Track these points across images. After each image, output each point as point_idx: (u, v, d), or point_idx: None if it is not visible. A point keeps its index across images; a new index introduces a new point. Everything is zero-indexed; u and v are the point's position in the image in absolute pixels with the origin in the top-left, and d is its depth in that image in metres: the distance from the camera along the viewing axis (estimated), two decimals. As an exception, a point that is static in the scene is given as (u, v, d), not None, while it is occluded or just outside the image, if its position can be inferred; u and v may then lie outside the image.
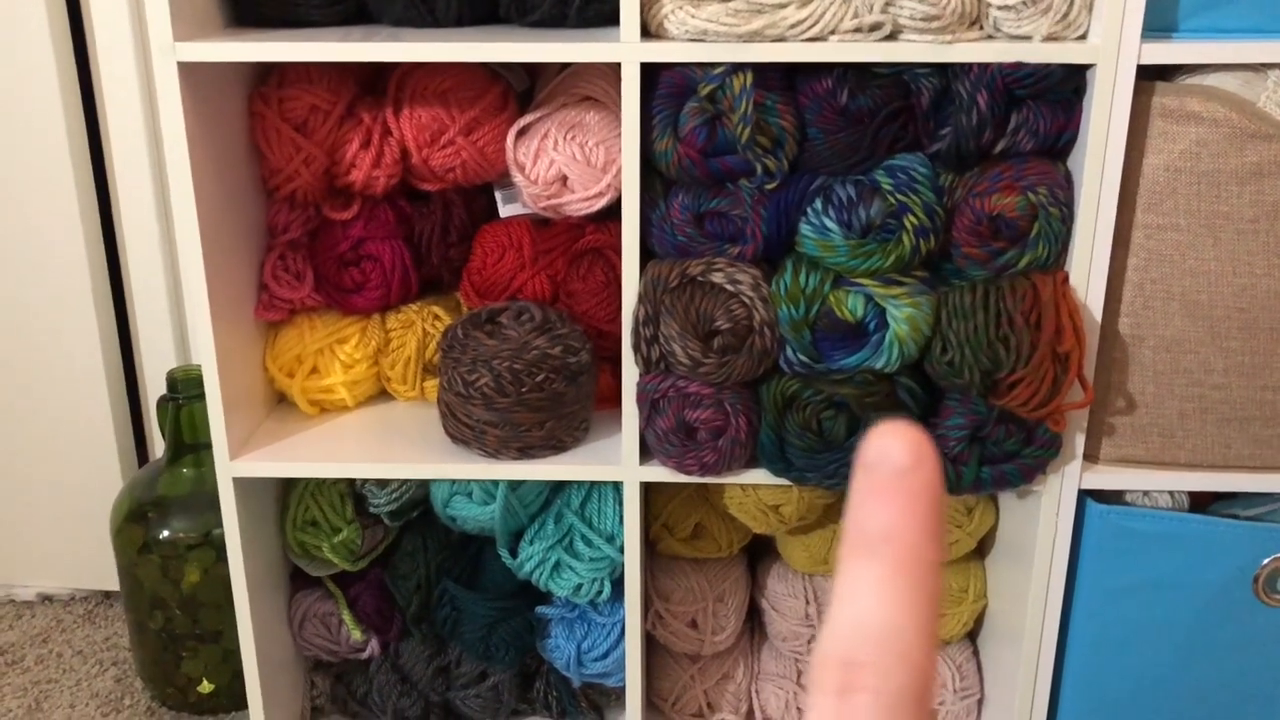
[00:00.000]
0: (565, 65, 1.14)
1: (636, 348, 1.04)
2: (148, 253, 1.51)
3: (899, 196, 0.97)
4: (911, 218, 0.97)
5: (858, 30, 0.95)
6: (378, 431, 1.18)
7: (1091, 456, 1.09)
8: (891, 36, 0.96)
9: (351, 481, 1.19)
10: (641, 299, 1.03)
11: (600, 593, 1.17)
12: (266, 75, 1.11)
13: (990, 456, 1.04)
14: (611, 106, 1.08)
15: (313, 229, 1.17)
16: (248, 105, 1.11)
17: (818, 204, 1.00)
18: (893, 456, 0.20)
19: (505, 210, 1.19)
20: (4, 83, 1.42)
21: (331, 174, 1.12)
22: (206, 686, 1.39)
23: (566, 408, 1.09)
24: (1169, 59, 0.96)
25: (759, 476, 1.10)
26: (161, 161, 1.48)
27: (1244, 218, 0.99)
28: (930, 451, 0.21)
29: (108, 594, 1.67)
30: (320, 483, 1.19)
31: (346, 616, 1.23)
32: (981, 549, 1.26)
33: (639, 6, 0.94)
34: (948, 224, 1.00)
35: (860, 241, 0.98)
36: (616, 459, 1.10)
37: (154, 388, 1.58)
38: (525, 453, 1.10)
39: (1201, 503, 1.12)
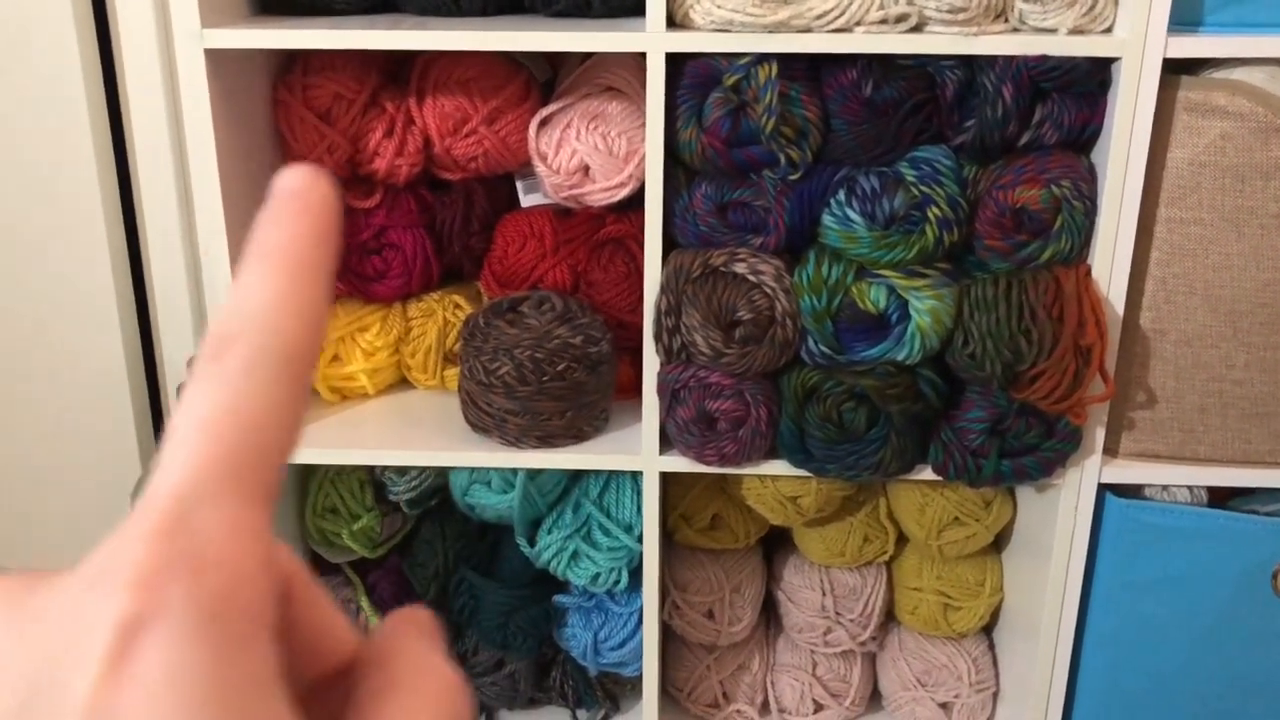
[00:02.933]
0: (587, 55, 1.14)
1: (658, 337, 1.04)
2: (169, 242, 1.52)
3: (922, 188, 0.97)
4: (935, 209, 0.97)
5: (883, 21, 0.95)
6: (398, 419, 1.18)
7: (1111, 450, 1.09)
8: (917, 28, 0.96)
9: (371, 469, 1.20)
10: (664, 289, 1.03)
11: (618, 582, 1.18)
12: (291, 63, 1.12)
13: (1010, 449, 1.04)
14: (634, 97, 1.08)
15: (335, 217, 1.17)
16: (272, 93, 1.11)
17: (841, 195, 1.00)
18: (289, 182, 0.24)
19: (527, 200, 1.19)
20: (26, 71, 1.43)
21: (354, 162, 1.13)
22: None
23: (587, 397, 1.09)
24: (1195, 53, 0.95)
25: (778, 468, 1.10)
26: (183, 149, 1.48)
27: (1268, 212, 0.99)
28: (323, 179, 0.24)
29: (125, 580, 1.67)
30: (340, 470, 1.20)
31: (365, 603, 1.24)
32: (999, 543, 1.26)
33: (665, -4, 0.95)
34: (971, 216, 1.00)
35: (883, 233, 0.98)
36: (636, 449, 1.11)
37: (174, 379, 1.58)
38: (545, 441, 1.10)
39: (1220, 498, 1.12)
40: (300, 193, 0.23)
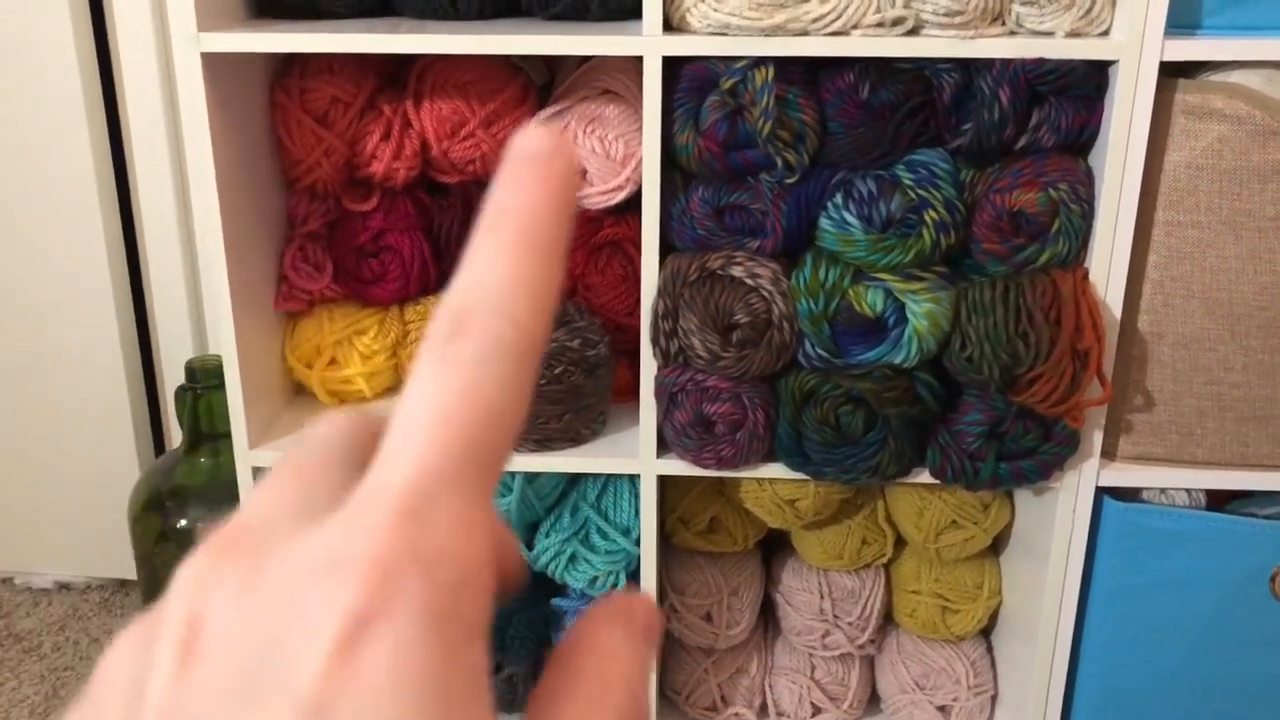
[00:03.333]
0: (585, 59, 1.14)
1: (655, 341, 1.04)
2: (166, 243, 1.52)
3: (920, 191, 0.97)
4: (932, 213, 0.97)
5: (880, 25, 0.95)
6: (395, 422, 1.18)
7: (1109, 454, 1.09)
8: (914, 31, 0.96)
9: (369, 472, 1.20)
10: (661, 292, 1.03)
11: (615, 585, 1.18)
12: (288, 67, 1.12)
13: (1008, 453, 1.04)
14: (631, 100, 1.08)
15: (332, 220, 1.17)
16: (269, 96, 1.11)
17: (838, 198, 1.00)
18: (532, 144, 0.22)
19: (524, 203, 1.19)
20: (25, 74, 1.43)
21: (352, 165, 1.13)
22: (222, 675, 1.40)
23: (584, 400, 1.09)
24: (1192, 56, 0.95)
25: (776, 471, 1.10)
26: (181, 153, 1.48)
27: (1266, 215, 0.98)
28: (567, 145, 0.22)
29: (124, 582, 1.68)
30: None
31: (362, 607, 1.24)
32: (997, 546, 1.26)
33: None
34: (968, 219, 1.00)
35: (880, 236, 0.98)
36: (634, 452, 1.11)
37: (171, 377, 1.58)
38: (543, 444, 1.10)
39: (1218, 501, 1.12)
40: (542, 157, 0.22)
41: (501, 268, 0.21)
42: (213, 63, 0.99)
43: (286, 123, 1.10)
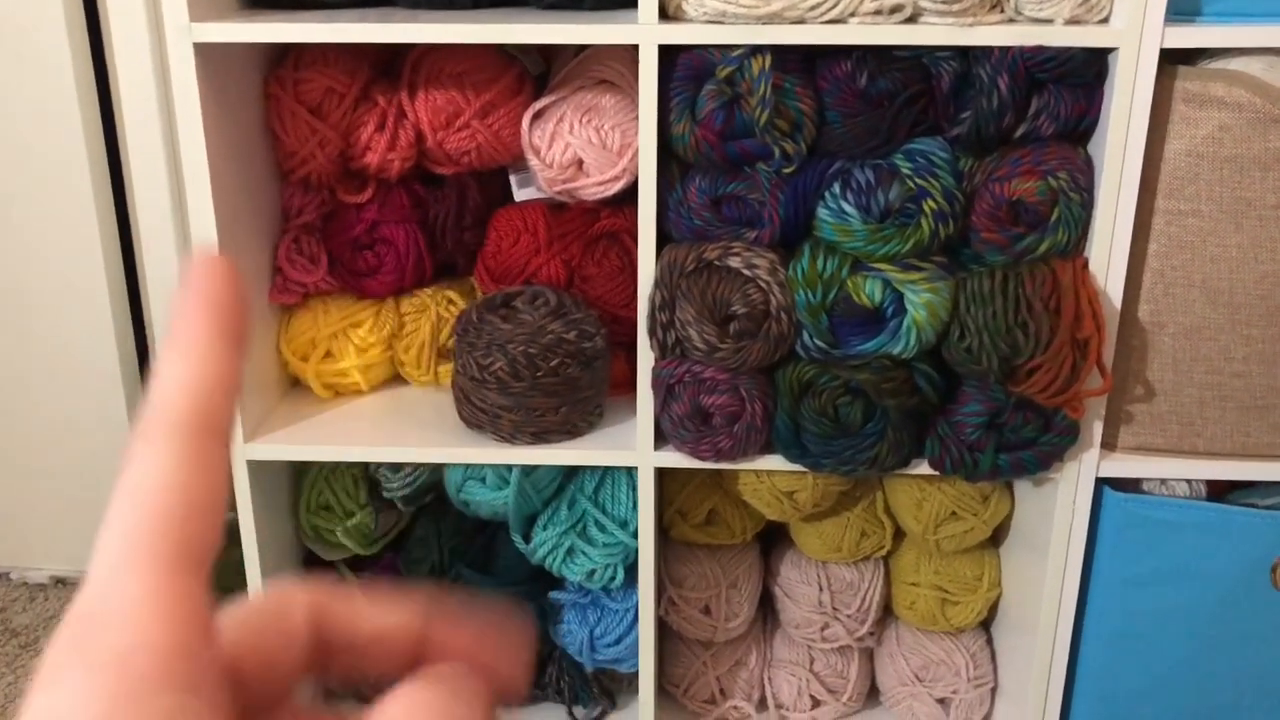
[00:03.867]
0: (581, 49, 1.13)
1: (652, 332, 1.04)
2: (161, 234, 1.51)
3: (918, 181, 0.97)
4: (930, 202, 0.96)
5: (878, 13, 0.94)
6: (392, 416, 1.18)
7: (1109, 444, 1.08)
8: (912, 19, 0.95)
9: (365, 466, 1.19)
10: (658, 283, 1.02)
11: (613, 578, 1.17)
12: (282, 57, 1.11)
13: (1008, 443, 1.04)
14: (628, 90, 1.07)
15: (327, 212, 1.16)
16: (263, 87, 1.10)
17: (836, 188, 0.99)
18: (195, 262, 0.25)
19: (520, 194, 1.19)
20: (19, 64, 1.42)
21: (346, 157, 1.12)
22: (219, 670, 1.39)
23: (581, 393, 1.09)
24: (1192, 43, 0.95)
25: (774, 463, 1.09)
26: (175, 144, 1.47)
27: (1267, 204, 0.98)
28: (221, 261, 0.25)
29: (120, 577, 1.67)
30: (334, 467, 1.19)
31: (359, 601, 1.23)
32: (996, 537, 1.26)
33: (657, -12, 0.94)
34: (967, 209, 0.99)
35: (878, 226, 0.97)
36: (631, 444, 1.10)
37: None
38: (540, 437, 1.09)
39: (1219, 491, 1.11)
40: (201, 275, 0.25)
41: (175, 366, 0.23)
42: (206, 53, 0.98)
43: (280, 114, 1.09)
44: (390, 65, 1.15)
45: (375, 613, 0.25)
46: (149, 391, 0.23)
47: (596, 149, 1.08)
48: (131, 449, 0.23)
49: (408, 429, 1.14)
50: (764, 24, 0.94)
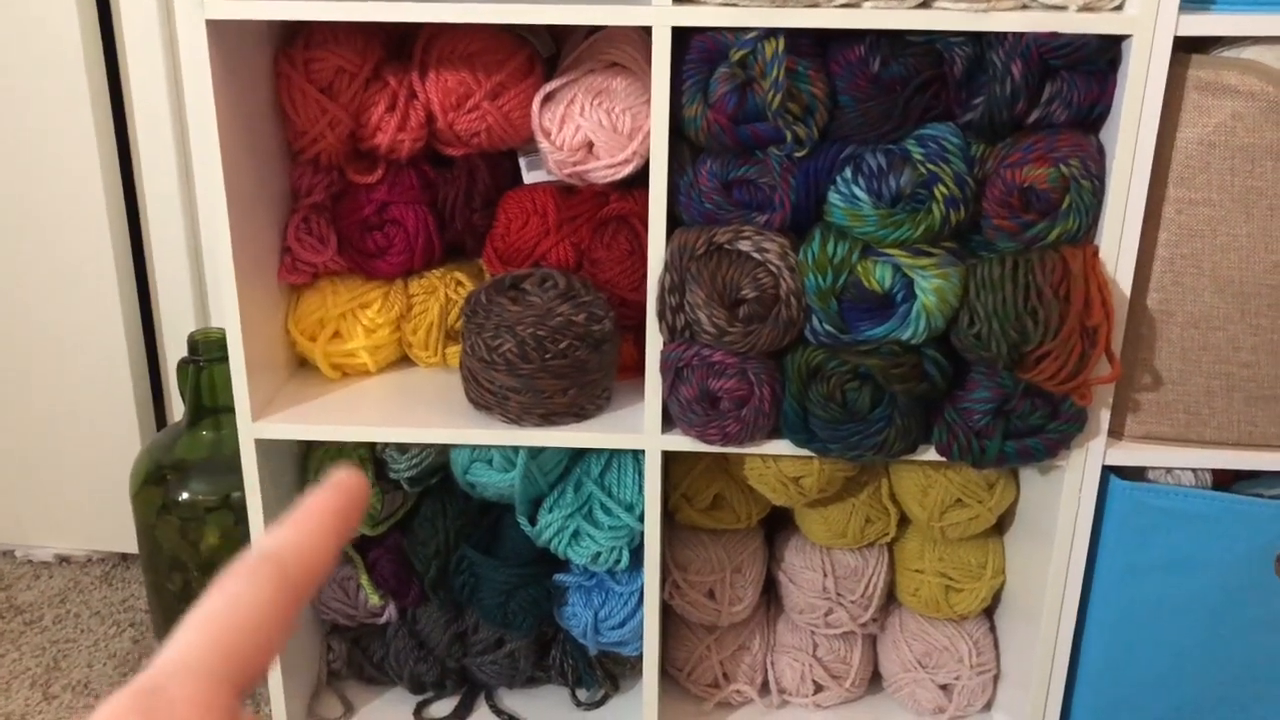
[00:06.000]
0: (592, 31, 1.13)
1: (662, 315, 1.04)
2: (168, 215, 1.51)
3: (929, 166, 0.96)
4: (942, 188, 0.96)
5: (892, -3, 0.94)
6: (399, 396, 1.18)
7: (1116, 432, 1.09)
8: (926, 4, 0.95)
9: (372, 446, 1.19)
10: (668, 266, 1.02)
11: (618, 561, 1.17)
12: (293, 36, 1.11)
13: (1015, 430, 1.04)
14: (639, 73, 1.07)
15: (337, 192, 1.16)
16: (273, 66, 1.10)
17: (847, 173, 0.99)
18: (334, 476, 0.31)
19: (529, 177, 1.19)
20: (26, 43, 1.42)
21: (356, 137, 1.12)
22: (223, 649, 1.40)
23: (589, 375, 1.09)
24: (1206, 31, 0.94)
25: (781, 447, 1.09)
26: (184, 122, 1.47)
27: (1277, 193, 0.98)
28: (357, 477, 0.31)
29: (124, 556, 1.67)
30: (340, 447, 1.19)
31: (364, 581, 1.23)
32: (1001, 525, 1.26)
33: (671, -30, 0.94)
34: (978, 195, 0.99)
35: (889, 211, 0.97)
36: (638, 427, 1.10)
37: (173, 350, 1.58)
38: (547, 419, 1.10)
39: (1224, 481, 1.11)
40: (339, 482, 0.31)
41: (285, 536, 0.29)
42: (217, 30, 0.98)
43: (291, 93, 1.09)
44: (401, 46, 1.14)
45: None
46: (257, 540, 0.29)
47: (607, 132, 1.08)
48: (226, 575, 0.27)
49: (415, 410, 1.14)
50: (777, 7, 0.94)
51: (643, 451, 1.11)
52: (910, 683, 1.27)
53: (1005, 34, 0.94)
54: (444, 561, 1.23)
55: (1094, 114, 0.98)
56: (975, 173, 0.99)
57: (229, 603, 0.27)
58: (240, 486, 1.13)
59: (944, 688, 1.27)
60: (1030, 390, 1.02)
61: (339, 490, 0.31)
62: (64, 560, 1.67)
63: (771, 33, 0.95)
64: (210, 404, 1.36)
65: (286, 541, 0.29)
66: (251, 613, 0.27)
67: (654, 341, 1.06)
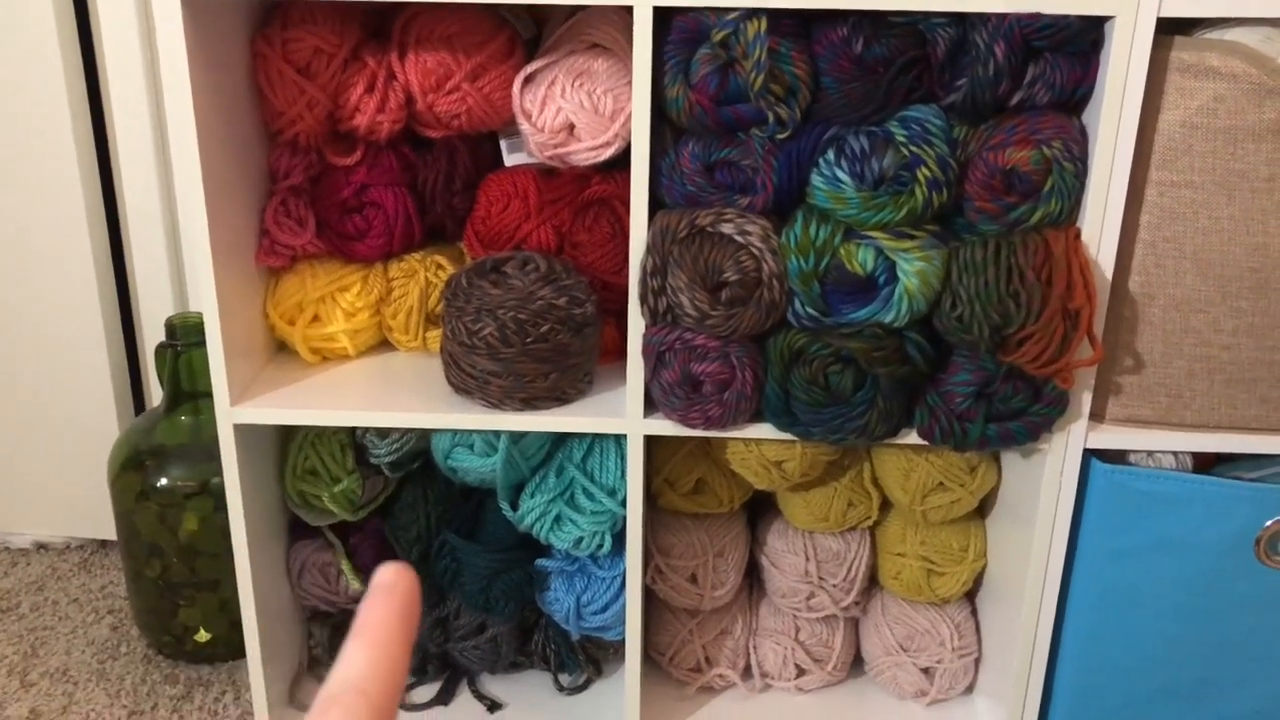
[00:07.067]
0: (574, 11, 1.12)
1: (644, 299, 1.03)
2: (146, 198, 1.50)
3: (912, 148, 0.96)
4: (924, 170, 0.96)
5: (874, -23, 0.93)
6: (379, 381, 1.17)
7: (1097, 415, 1.09)
8: (908, -16, 0.94)
9: (352, 431, 1.18)
10: (650, 249, 1.02)
11: (600, 546, 1.17)
12: (270, 16, 1.09)
13: (997, 413, 1.04)
14: (620, 54, 1.06)
15: (315, 174, 1.15)
16: (250, 46, 1.09)
17: (830, 155, 0.99)
18: (383, 578, 0.32)
19: (510, 159, 1.18)
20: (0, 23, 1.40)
21: (335, 118, 1.10)
22: (203, 635, 1.39)
23: (571, 359, 1.08)
24: (1189, 12, 0.94)
25: (763, 431, 1.09)
26: (160, 104, 1.46)
27: (1260, 176, 0.98)
28: (407, 576, 0.32)
29: (103, 543, 1.66)
30: (320, 432, 1.18)
31: (345, 566, 1.23)
32: (982, 509, 1.26)
33: (652, -51, 0.93)
34: (961, 177, 0.99)
35: (872, 193, 0.97)
36: (620, 411, 1.10)
37: (151, 335, 1.56)
38: (529, 404, 1.09)
39: (1205, 464, 1.12)
40: (390, 585, 0.31)
41: (358, 661, 0.29)
42: (194, 10, 0.96)
43: (268, 74, 1.08)
44: (380, 26, 1.13)
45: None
46: (337, 673, 0.29)
47: (588, 114, 1.07)
48: (314, 715, 0.28)
49: (395, 394, 1.13)
50: (760, -13, 0.93)
51: (625, 436, 1.11)
52: (892, 666, 1.27)
53: (988, 15, 0.94)
54: (425, 547, 1.22)
55: (1076, 96, 0.98)
56: (958, 155, 0.98)
57: None
58: (219, 472, 1.12)
59: (926, 671, 1.27)
60: (1012, 373, 1.02)
61: (394, 595, 0.31)
62: (42, 547, 1.66)
63: (754, 13, 0.94)
64: (189, 389, 1.34)
65: (364, 668, 0.29)
66: None
67: (636, 325, 1.06)
